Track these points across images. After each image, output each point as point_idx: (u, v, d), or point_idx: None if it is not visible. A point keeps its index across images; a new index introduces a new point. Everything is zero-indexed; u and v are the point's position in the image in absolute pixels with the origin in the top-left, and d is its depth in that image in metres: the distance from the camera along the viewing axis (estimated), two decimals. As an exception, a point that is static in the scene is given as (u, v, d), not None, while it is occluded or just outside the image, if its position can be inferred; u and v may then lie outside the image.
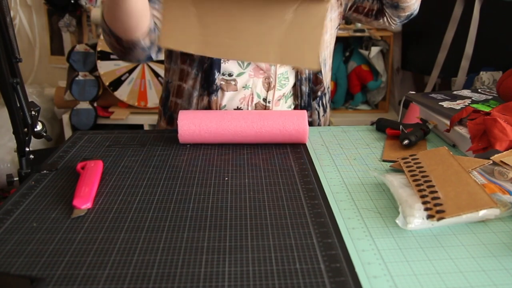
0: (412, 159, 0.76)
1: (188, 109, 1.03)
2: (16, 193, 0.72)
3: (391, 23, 1.11)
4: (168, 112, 1.08)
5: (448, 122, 0.92)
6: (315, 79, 1.07)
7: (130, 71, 2.22)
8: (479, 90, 1.12)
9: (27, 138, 0.79)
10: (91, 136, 0.97)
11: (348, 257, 0.56)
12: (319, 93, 1.09)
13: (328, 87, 1.15)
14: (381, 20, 1.10)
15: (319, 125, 1.12)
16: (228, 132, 0.88)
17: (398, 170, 0.79)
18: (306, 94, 1.06)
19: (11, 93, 0.74)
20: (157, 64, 2.22)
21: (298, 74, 1.06)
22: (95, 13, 2.24)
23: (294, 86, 1.07)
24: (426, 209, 0.62)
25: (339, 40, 2.40)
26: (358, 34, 2.28)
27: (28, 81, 2.55)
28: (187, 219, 0.65)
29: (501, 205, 0.64)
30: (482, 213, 0.62)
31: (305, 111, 0.91)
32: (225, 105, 1.03)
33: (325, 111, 1.14)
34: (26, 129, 0.78)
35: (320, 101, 1.11)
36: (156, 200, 0.70)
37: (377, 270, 0.54)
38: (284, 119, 0.89)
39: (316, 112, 1.11)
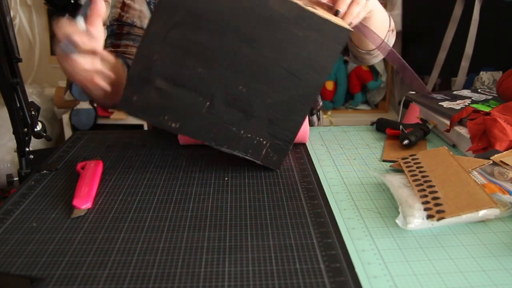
0: (412, 159, 0.76)
1: None
2: (16, 193, 0.72)
3: (356, 63, 1.10)
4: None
5: (448, 122, 0.92)
6: None
7: (130, 71, 2.22)
8: (479, 90, 1.13)
9: (27, 138, 0.79)
10: (91, 136, 0.97)
11: (348, 257, 0.56)
12: (314, 111, 1.11)
13: (321, 99, 1.18)
14: (350, 55, 1.09)
15: None
16: None
17: (398, 170, 0.79)
18: None
19: (11, 93, 0.74)
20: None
21: None
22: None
23: None
24: (426, 209, 0.62)
25: (339, 40, 2.40)
26: (358, 34, 2.27)
27: (28, 81, 2.55)
28: (187, 219, 0.65)
29: (501, 205, 0.64)
30: (482, 213, 0.62)
31: None
32: None
33: (318, 118, 1.16)
34: (26, 129, 0.78)
35: (316, 114, 1.14)
36: (156, 200, 0.70)
37: (377, 270, 0.54)
38: None
39: (312, 123, 1.13)
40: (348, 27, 0.72)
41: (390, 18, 1.01)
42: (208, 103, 0.73)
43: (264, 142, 0.76)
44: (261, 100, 0.74)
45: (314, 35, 0.71)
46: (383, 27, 0.93)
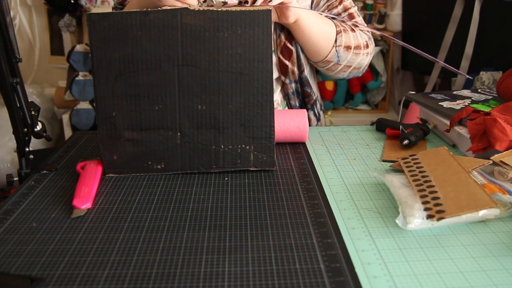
0: (412, 159, 0.76)
1: None
2: (16, 193, 0.72)
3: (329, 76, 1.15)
4: None
5: (448, 122, 0.92)
6: (303, 92, 1.09)
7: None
8: (479, 90, 1.12)
9: (27, 138, 0.79)
10: (91, 136, 0.97)
11: (348, 257, 0.56)
12: (308, 106, 1.11)
13: (317, 96, 1.17)
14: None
15: None
16: None
17: (398, 170, 0.79)
18: (297, 107, 1.10)
19: (11, 93, 0.74)
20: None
21: (284, 88, 1.07)
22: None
23: (284, 99, 1.08)
24: (426, 209, 0.62)
25: (339, 40, 2.40)
26: (358, 34, 2.27)
27: (28, 81, 2.54)
28: (187, 219, 0.65)
29: (501, 205, 0.64)
30: (482, 213, 0.62)
31: (305, 110, 0.92)
32: None
33: (318, 119, 1.16)
34: (26, 129, 0.78)
35: (312, 111, 1.13)
36: (156, 200, 0.70)
37: (377, 270, 0.54)
38: (284, 118, 0.89)
39: (310, 122, 1.13)
40: (266, 7, 0.74)
41: (356, 37, 1.05)
42: (179, 134, 0.76)
43: (247, 147, 0.78)
44: (223, 109, 0.76)
45: (238, 30, 0.73)
46: (321, 37, 1.00)
